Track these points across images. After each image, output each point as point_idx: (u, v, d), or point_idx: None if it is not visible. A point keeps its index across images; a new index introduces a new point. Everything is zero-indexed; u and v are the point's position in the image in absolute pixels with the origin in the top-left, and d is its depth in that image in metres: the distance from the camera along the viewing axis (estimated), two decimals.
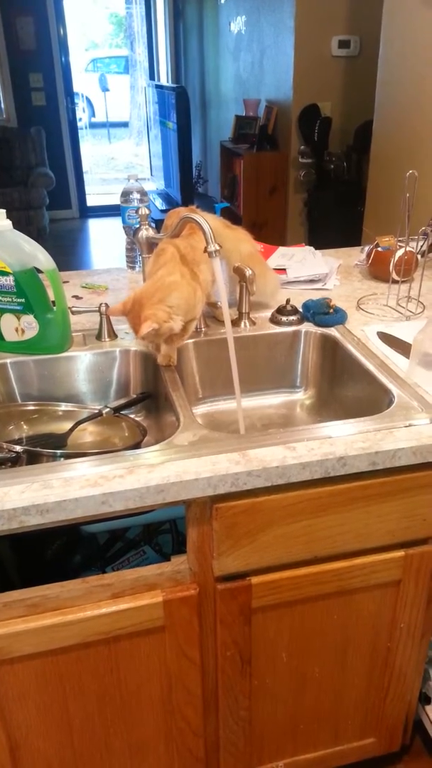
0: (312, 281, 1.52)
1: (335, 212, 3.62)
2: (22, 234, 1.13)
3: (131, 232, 1.53)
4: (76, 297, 1.47)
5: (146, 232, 1.18)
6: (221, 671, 1.07)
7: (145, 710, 1.07)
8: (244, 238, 1.27)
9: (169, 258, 1.07)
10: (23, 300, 1.16)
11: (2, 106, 5.73)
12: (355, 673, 1.17)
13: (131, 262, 1.63)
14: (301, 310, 1.33)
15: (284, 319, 1.31)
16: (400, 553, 1.05)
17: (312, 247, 1.68)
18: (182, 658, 1.03)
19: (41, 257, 1.13)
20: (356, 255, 1.70)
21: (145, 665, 1.02)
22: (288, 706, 1.17)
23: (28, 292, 1.15)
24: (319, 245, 1.73)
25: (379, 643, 1.15)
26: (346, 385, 1.24)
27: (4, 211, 1.10)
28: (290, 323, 1.31)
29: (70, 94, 5.93)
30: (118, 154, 9.55)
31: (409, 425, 0.97)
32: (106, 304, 1.23)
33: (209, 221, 1.01)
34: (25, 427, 1.18)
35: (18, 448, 0.99)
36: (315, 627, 1.09)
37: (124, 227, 1.56)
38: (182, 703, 1.08)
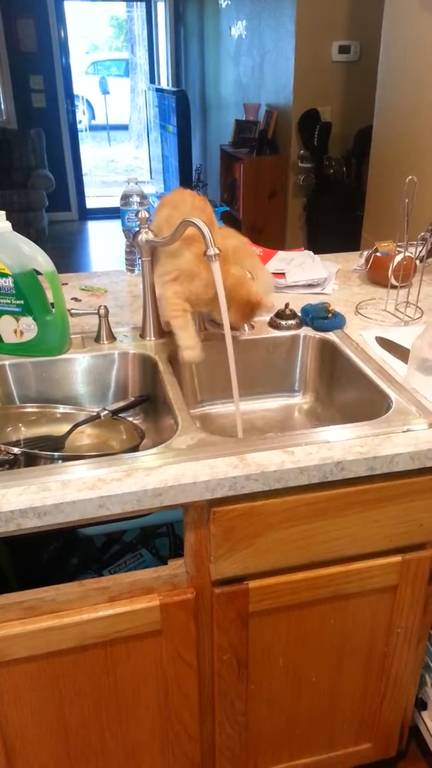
0: (311, 286, 1.52)
1: (335, 217, 3.62)
2: (21, 236, 1.13)
3: (131, 235, 1.53)
4: (75, 299, 1.47)
5: (146, 235, 1.18)
6: (218, 675, 1.07)
7: (141, 714, 1.07)
8: (228, 234, 1.26)
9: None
10: (22, 302, 1.16)
11: (2, 107, 5.74)
12: (351, 678, 1.17)
13: (131, 265, 1.63)
14: (299, 314, 1.33)
15: (283, 323, 1.32)
16: (397, 559, 1.05)
17: (311, 252, 1.68)
18: (179, 661, 1.02)
19: (41, 259, 1.13)
20: (355, 260, 1.70)
21: (142, 669, 1.02)
22: (284, 710, 1.17)
23: (27, 294, 1.15)
24: (318, 249, 1.74)
25: (375, 648, 1.15)
26: (344, 390, 1.24)
27: (3, 213, 1.11)
28: (289, 327, 1.31)
29: (70, 97, 5.94)
30: (118, 157, 9.57)
31: (407, 430, 0.97)
32: (105, 306, 1.23)
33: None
34: (23, 429, 1.17)
35: (16, 450, 0.99)
36: (312, 632, 1.09)
37: (123, 230, 1.56)
38: (178, 707, 1.07)
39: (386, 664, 1.17)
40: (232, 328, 1.11)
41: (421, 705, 1.34)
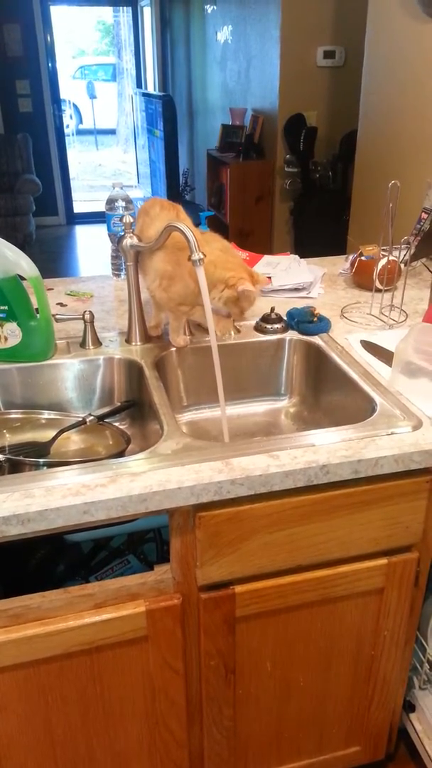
0: (296, 290, 1.53)
1: (321, 221, 3.64)
2: (5, 241, 1.13)
3: (116, 239, 1.53)
4: (61, 304, 1.47)
5: (130, 240, 1.18)
6: (205, 681, 1.07)
7: (128, 721, 1.06)
8: (211, 239, 1.26)
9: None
10: (6, 307, 1.15)
11: None
12: (339, 682, 1.17)
13: (116, 269, 1.63)
14: (285, 318, 1.34)
15: (269, 327, 1.32)
16: (383, 561, 1.05)
17: (297, 256, 1.69)
18: (166, 668, 1.02)
19: (24, 264, 1.13)
20: (340, 264, 1.71)
21: (128, 676, 1.01)
22: (272, 715, 1.16)
23: (10, 300, 1.15)
24: (305, 253, 1.74)
25: (362, 651, 1.15)
26: (329, 393, 1.25)
27: None
28: (275, 331, 1.32)
29: (57, 101, 5.92)
30: (106, 161, 9.56)
31: (391, 433, 0.97)
32: (90, 311, 1.23)
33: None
34: (7, 435, 1.17)
35: (0, 456, 0.99)
36: (299, 635, 1.09)
37: (109, 235, 1.56)
38: (166, 714, 1.07)
39: (374, 666, 1.17)
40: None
41: (409, 707, 1.35)
